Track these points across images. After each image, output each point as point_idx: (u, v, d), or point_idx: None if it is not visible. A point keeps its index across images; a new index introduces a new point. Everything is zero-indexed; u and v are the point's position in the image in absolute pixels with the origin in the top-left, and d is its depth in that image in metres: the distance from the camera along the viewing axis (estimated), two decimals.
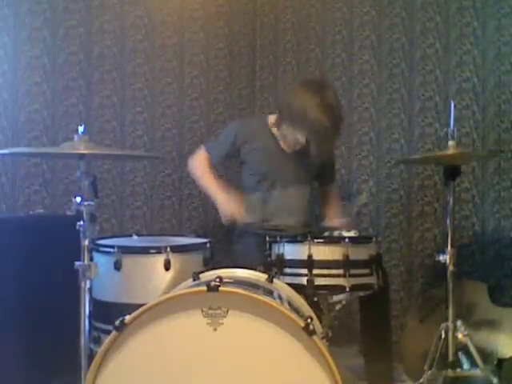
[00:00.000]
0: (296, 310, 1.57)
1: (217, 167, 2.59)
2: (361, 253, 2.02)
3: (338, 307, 2.14)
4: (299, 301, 1.83)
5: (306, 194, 2.58)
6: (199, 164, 2.57)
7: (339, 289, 1.99)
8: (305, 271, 1.98)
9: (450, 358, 2.05)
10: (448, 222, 2.10)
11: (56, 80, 2.71)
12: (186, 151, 3.04)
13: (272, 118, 2.53)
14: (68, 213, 1.66)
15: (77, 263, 1.60)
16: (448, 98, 2.77)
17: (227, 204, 2.38)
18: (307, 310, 1.79)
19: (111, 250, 1.93)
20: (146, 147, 2.92)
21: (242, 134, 2.53)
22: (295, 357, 1.38)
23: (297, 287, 1.91)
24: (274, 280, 1.79)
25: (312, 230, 2.52)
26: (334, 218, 2.49)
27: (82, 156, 1.62)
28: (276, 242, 2.08)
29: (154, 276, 1.92)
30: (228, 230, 3.06)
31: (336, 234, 2.15)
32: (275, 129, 2.51)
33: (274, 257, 2.08)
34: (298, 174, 2.53)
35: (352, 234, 2.09)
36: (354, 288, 1.98)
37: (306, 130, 2.33)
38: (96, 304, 1.80)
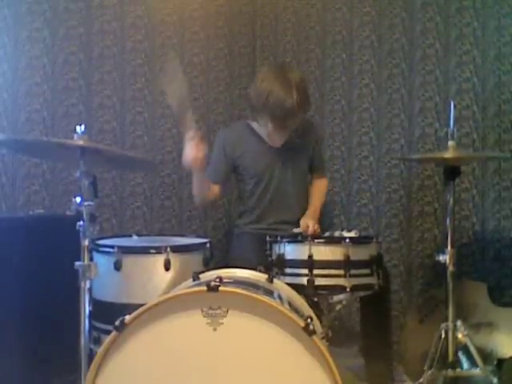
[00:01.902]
0: (296, 310, 1.57)
1: (222, 187, 2.57)
2: (361, 253, 2.02)
3: (338, 307, 2.14)
4: (299, 301, 1.83)
5: (302, 188, 2.59)
6: None
7: (340, 289, 1.99)
8: (305, 271, 1.98)
9: (450, 358, 2.06)
10: (448, 221, 2.10)
11: (56, 80, 2.71)
12: None
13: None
14: (68, 213, 1.66)
15: (77, 263, 1.60)
16: (448, 98, 2.77)
17: (191, 150, 2.19)
18: (307, 310, 1.79)
19: (111, 250, 1.93)
20: (145, 147, 2.92)
21: (229, 140, 2.55)
22: (295, 357, 1.38)
23: (297, 287, 1.91)
24: (274, 280, 1.79)
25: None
26: (307, 218, 2.45)
27: (81, 151, 1.61)
28: (276, 241, 2.08)
29: (154, 276, 1.92)
30: (228, 230, 3.07)
31: (337, 234, 2.15)
32: (259, 128, 2.52)
33: (274, 257, 2.08)
34: (290, 170, 2.54)
35: (352, 234, 2.10)
36: (354, 288, 1.98)
37: (270, 113, 2.34)
38: (96, 304, 1.80)
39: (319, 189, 2.69)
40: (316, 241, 2.00)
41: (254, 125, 2.54)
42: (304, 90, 2.38)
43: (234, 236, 2.67)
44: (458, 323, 2.07)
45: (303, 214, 2.59)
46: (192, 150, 2.16)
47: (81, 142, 1.60)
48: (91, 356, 1.53)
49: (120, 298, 1.92)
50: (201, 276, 1.71)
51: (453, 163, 2.12)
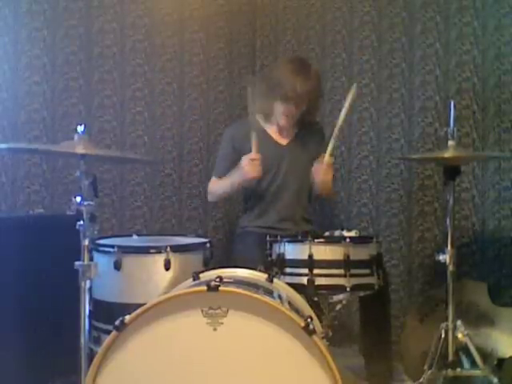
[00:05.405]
0: (296, 310, 1.57)
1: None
2: (361, 253, 2.02)
3: (338, 307, 2.14)
4: (299, 301, 1.83)
5: (304, 186, 2.58)
6: (212, 187, 2.62)
7: (340, 289, 1.99)
8: (305, 271, 1.98)
9: (450, 357, 2.05)
10: (448, 221, 2.10)
11: (56, 80, 2.71)
12: (186, 151, 3.04)
13: (260, 116, 2.56)
14: (68, 213, 1.66)
15: (77, 263, 1.60)
16: (448, 97, 2.77)
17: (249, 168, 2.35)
18: (307, 309, 1.79)
19: (111, 249, 1.92)
20: (146, 147, 2.92)
21: (238, 135, 2.57)
22: (295, 357, 1.38)
23: (297, 287, 1.91)
24: (274, 280, 1.79)
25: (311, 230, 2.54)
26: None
27: (81, 156, 1.62)
28: (276, 241, 2.08)
29: (154, 276, 1.92)
30: (228, 230, 3.07)
31: (337, 233, 2.15)
32: (267, 124, 2.56)
33: (274, 256, 2.08)
34: (294, 167, 2.54)
35: (352, 233, 2.10)
36: (354, 288, 1.98)
37: (282, 93, 2.41)
38: (96, 304, 1.80)
39: None
40: (316, 240, 2.00)
41: (261, 121, 2.55)
42: (317, 79, 2.50)
43: (236, 235, 2.67)
44: (458, 323, 2.07)
45: (303, 212, 2.59)
46: (250, 168, 2.33)
47: (81, 150, 1.60)
48: (91, 356, 1.53)
49: (120, 298, 1.91)
50: (201, 276, 1.71)
51: (453, 163, 2.12)
